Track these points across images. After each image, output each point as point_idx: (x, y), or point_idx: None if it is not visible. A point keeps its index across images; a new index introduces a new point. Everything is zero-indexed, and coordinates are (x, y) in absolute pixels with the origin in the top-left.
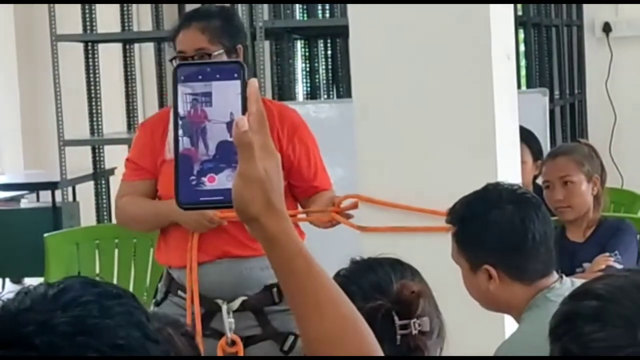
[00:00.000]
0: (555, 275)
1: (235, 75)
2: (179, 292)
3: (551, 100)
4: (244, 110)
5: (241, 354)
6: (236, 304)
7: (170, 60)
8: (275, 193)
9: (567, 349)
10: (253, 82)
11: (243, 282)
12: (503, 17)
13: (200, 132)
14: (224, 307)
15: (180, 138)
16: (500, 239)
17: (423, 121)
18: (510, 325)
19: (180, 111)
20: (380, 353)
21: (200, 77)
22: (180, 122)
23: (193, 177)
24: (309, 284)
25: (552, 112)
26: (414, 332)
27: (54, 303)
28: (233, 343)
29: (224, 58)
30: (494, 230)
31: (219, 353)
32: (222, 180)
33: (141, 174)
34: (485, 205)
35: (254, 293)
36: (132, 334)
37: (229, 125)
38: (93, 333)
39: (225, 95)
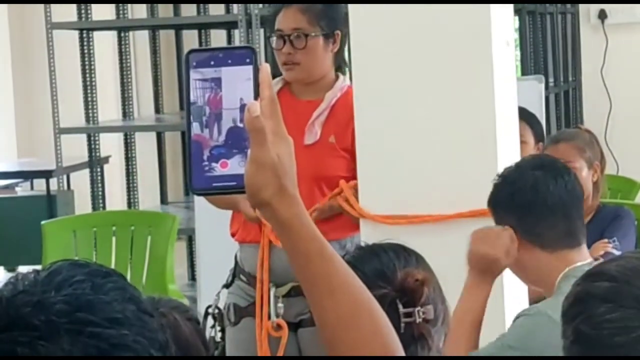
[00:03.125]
0: (585, 252)
1: (248, 60)
2: (241, 276)
3: (546, 87)
4: (257, 95)
5: (285, 338)
6: (285, 288)
7: (268, 38)
8: (288, 178)
9: (580, 330)
10: (265, 68)
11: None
12: (502, 3)
13: (210, 118)
14: (272, 291)
15: (191, 124)
16: (510, 198)
17: (423, 108)
18: (510, 314)
19: (191, 97)
20: (395, 335)
21: (212, 62)
22: (191, 108)
23: (205, 163)
24: (322, 268)
25: (547, 100)
26: (418, 320)
27: (47, 285)
28: (279, 328)
29: (321, 41)
30: (506, 189)
31: (264, 336)
32: (235, 165)
33: None
34: (510, 170)
35: None
36: (128, 307)
37: (239, 111)
38: (90, 309)
39: (235, 81)
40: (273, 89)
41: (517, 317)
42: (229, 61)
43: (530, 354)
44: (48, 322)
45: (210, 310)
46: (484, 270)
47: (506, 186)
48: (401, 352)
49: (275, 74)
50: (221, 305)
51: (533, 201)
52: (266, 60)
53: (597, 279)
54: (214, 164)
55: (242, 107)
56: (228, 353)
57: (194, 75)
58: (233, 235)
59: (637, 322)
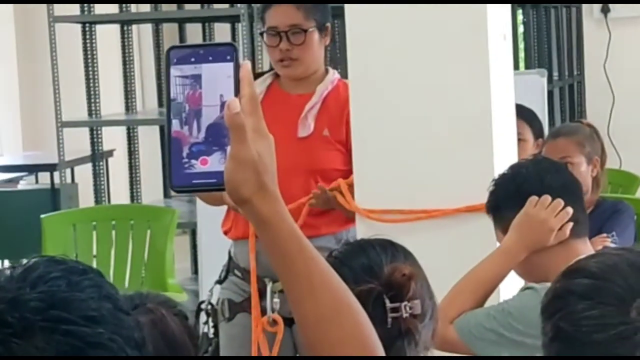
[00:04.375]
0: (589, 243)
1: (228, 57)
2: (235, 271)
3: (549, 81)
4: (237, 92)
5: (281, 334)
6: (280, 284)
7: (261, 34)
8: (268, 175)
9: (559, 327)
10: (246, 65)
11: None
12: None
13: (190, 115)
14: (269, 287)
15: (171, 121)
16: (517, 189)
17: (419, 102)
18: None
19: (172, 94)
20: (375, 335)
21: (192, 59)
22: (171, 105)
23: (185, 160)
24: (302, 266)
25: (550, 93)
26: (405, 315)
27: (22, 281)
28: (275, 323)
29: (317, 35)
30: (511, 183)
31: (259, 331)
32: (215, 162)
33: None
34: (508, 170)
35: None
36: (104, 305)
37: (219, 108)
38: (64, 306)
39: (216, 78)
40: (254, 86)
41: (525, 288)
42: (210, 58)
43: (525, 326)
44: (22, 319)
45: (203, 306)
46: (531, 236)
47: (508, 184)
48: (381, 352)
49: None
50: (214, 300)
51: (540, 190)
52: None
53: (576, 275)
54: (193, 161)
55: (223, 105)
56: (222, 349)
57: (174, 72)
58: (226, 232)
59: (616, 320)
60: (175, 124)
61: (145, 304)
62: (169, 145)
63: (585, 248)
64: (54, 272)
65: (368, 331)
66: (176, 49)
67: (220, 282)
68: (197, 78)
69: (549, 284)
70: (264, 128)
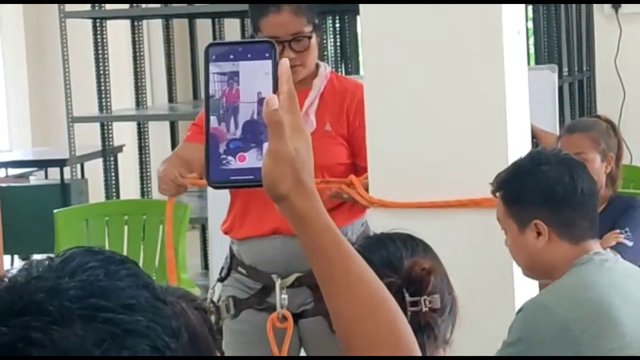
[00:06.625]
0: (598, 243)
1: (267, 54)
2: (239, 268)
3: (560, 77)
4: (275, 89)
5: (290, 330)
6: (290, 279)
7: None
8: (305, 171)
9: None
10: (285, 62)
11: (297, 259)
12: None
13: (227, 112)
14: (278, 283)
15: (209, 117)
16: (550, 191)
17: (433, 97)
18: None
19: (210, 90)
20: (410, 329)
21: (231, 56)
22: (210, 101)
23: (223, 156)
24: (338, 261)
25: (560, 89)
26: (425, 309)
27: (61, 271)
28: (285, 319)
29: (314, 36)
30: (544, 183)
31: (269, 327)
32: (252, 159)
33: (203, 138)
34: (533, 162)
35: (309, 269)
36: (141, 294)
37: (257, 104)
38: (103, 295)
39: (253, 75)
40: (292, 84)
41: (518, 311)
42: (249, 55)
43: (533, 346)
44: (61, 308)
45: (204, 305)
46: None
47: (538, 180)
48: (416, 348)
49: None
50: (215, 298)
51: (571, 193)
52: None
53: None
54: (230, 158)
55: (260, 101)
56: (227, 346)
57: (213, 68)
58: (226, 232)
59: None
60: (213, 120)
61: (165, 297)
62: (206, 141)
63: (597, 247)
64: (91, 262)
65: (403, 327)
66: (215, 46)
67: (221, 279)
68: (235, 75)
69: (537, 298)
70: (302, 125)
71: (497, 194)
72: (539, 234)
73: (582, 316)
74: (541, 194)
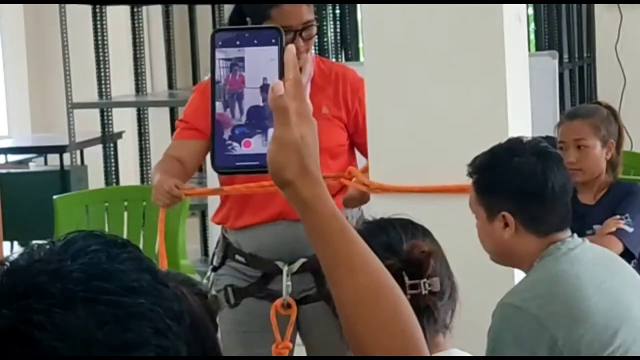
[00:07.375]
0: (568, 232)
1: (273, 40)
2: (237, 257)
3: (560, 63)
4: (281, 75)
5: (294, 317)
6: (296, 265)
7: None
8: (311, 158)
9: None
10: (291, 49)
11: (301, 244)
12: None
13: (232, 98)
14: (285, 269)
15: (215, 103)
16: (520, 186)
17: (434, 83)
18: None
19: (216, 76)
20: (413, 315)
21: (237, 42)
22: (215, 87)
23: (228, 142)
24: (343, 247)
25: (561, 76)
26: (424, 292)
27: (63, 254)
28: (289, 306)
29: (315, 24)
30: (515, 177)
31: (272, 314)
32: (258, 145)
33: (194, 134)
34: (508, 153)
35: (314, 254)
36: (144, 277)
37: (262, 91)
38: (106, 277)
39: (259, 61)
40: (298, 70)
41: (492, 315)
42: (255, 41)
43: (510, 348)
44: (64, 290)
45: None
46: None
47: (512, 175)
48: (420, 336)
49: None
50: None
51: (541, 189)
52: None
53: None
54: (235, 144)
55: (265, 87)
56: (226, 336)
57: (218, 54)
58: (220, 223)
59: None
60: (218, 106)
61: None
62: (212, 127)
63: (561, 237)
64: (93, 245)
65: (407, 314)
66: (221, 32)
67: (215, 269)
68: (241, 60)
69: (506, 299)
70: (308, 112)
71: (471, 179)
72: (506, 225)
73: (555, 311)
74: (511, 188)
